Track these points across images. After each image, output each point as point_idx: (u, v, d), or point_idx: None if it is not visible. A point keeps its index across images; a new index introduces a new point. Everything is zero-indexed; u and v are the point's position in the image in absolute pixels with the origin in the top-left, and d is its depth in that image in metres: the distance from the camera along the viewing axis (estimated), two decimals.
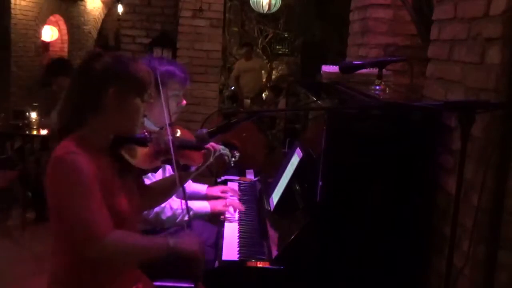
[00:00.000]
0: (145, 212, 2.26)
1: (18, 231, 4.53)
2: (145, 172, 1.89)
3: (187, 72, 2.48)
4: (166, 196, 2.07)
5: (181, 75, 2.43)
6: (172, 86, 2.39)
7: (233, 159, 2.21)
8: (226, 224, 2.31)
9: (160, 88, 1.92)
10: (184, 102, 2.51)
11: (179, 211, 2.34)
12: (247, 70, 8.47)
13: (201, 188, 2.68)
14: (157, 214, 2.29)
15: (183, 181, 2.15)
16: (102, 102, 1.66)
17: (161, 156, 1.88)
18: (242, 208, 2.46)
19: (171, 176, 2.12)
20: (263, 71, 9.02)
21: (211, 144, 2.10)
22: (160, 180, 2.19)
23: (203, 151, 2.09)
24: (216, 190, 2.65)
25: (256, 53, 11.24)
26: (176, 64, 2.47)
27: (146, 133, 1.86)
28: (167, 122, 1.91)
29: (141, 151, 1.82)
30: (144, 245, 1.69)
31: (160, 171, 2.21)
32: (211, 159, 2.09)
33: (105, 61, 1.68)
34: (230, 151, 2.21)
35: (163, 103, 1.91)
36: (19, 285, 3.55)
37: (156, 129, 2.17)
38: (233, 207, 2.45)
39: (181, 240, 1.70)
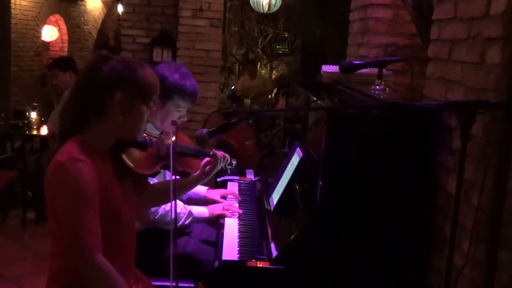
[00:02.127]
0: (151, 212, 2.26)
1: (18, 231, 4.54)
2: (144, 177, 1.89)
3: (196, 89, 2.43)
4: (168, 198, 2.06)
5: (191, 95, 2.39)
6: (177, 102, 2.37)
7: (230, 167, 2.22)
8: (226, 224, 2.31)
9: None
10: (185, 118, 2.50)
11: (181, 214, 2.37)
12: (251, 87, 8.49)
13: (201, 189, 2.68)
14: (162, 217, 2.29)
15: (182, 190, 2.17)
16: (107, 106, 1.64)
17: (160, 162, 1.88)
18: (240, 211, 2.45)
19: (178, 180, 2.13)
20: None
21: (220, 152, 2.12)
22: (165, 181, 2.20)
23: (201, 157, 2.11)
24: (216, 194, 2.64)
25: (256, 53, 11.26)
26: (189, 79, 2.41)
27: (147, 138, 1.85)
28: (171, 129, 1.90)
29: (141, 155, 1.82)
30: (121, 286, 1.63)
31: (156, 178, 2.21)
32: (218, 167, 2.12)
33: (113, 65, 1.66)
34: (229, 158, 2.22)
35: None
36: (19, 284, 3.55)
37: (154, 131, 2.17)
38: (232, 210, 2.44)
39: None
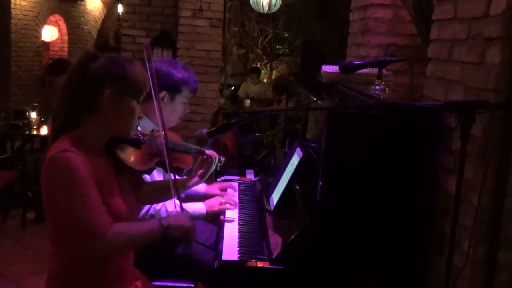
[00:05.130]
0: (141, 214, 2.25)
1: (18, 231, 4.54)
2: (140, 173, 1.90)
3: (196, 79, 2.52)
4: (164, 196, 2.08)
5: (194, 84, 2.48)
6: (184, 93, 2.43)
7: (219, 164, 2.23)
8: (226, 224, 2.31)
9: (153, 91, 1.90)
10: (188, 110, 2.55)
11: (174, 213, 2.33)
12: (253, 92, 8.53)
13: (200, 186, 2.68)
14: (153, 216, 2.26)
15: (179, 190, 2.17)
16: (97, 103, 1.65)
17: (154, 158, 1.89)
18: (236, 205, 2.44)
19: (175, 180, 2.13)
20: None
21: (211, 152, 2.13)
22: (162, 180, 2.20)
23: (192, 154, 2.12)
24: (215, 188, 2.65)
25: (256, 53, 11.27)
26: (190, 71, 2.50)
27: (140, 135, 1.86)
28: (160, 125, 1.91)
29: (135, 152, 1.83)
30: (141, 232, 1.72)
31: (154, 173, 2.21)
32: (213, 167, 2.13)
33: (101, 62, 1.66)
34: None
35: (156, 107, 1.91)
36: (19, 284, 3.55)
37: (152, 126, 2.18)
38: (229, 203, 2.43)
39: (172, 218, 1.77)
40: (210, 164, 2.12)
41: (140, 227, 1.75)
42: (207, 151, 2.13)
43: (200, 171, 2.13)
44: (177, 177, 2.03)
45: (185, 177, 2.19)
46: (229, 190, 2.66)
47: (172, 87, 2.39)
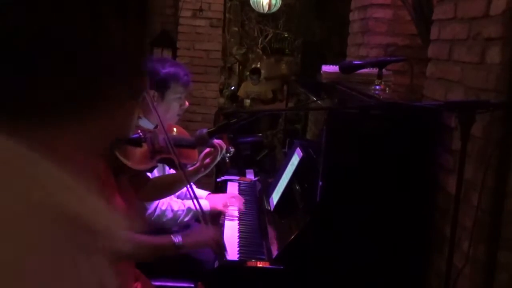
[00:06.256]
0: (148, 214, 2.26)
1: None
2: (141, 172, 1.89)
3: (189, 74, 2.49)
4: (170, 191, 2.07)
5: (184, 78, 2.43)
6: (175, 89, 2.40)
7: (228, 154, 2.21)
8: (226, 224, 2.31)
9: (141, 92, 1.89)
10: (187, 104, 2.52)
11: (180, 212, 2.35)
12: (254, 92, 8.53)
13: (201, 194, 2.67)
14: (159, 217, 2.29)
15: (190, 179, 2.16)
16: None
17: (156, 156, 1.87)
18: (242, 205, 2.42)
19: (176, 173, 2.12)
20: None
21: (217, 142, 2.10)
22: (165, 175, 2.19)
23: (197, 149, 2.10)
24: (218, 202, 2.62)
25: (256, 53, 11.26)
26: (179, 66, 2.46)
27: (140, 133, 1.84)
28: (159, 121, 1.90)
29: (136, 151, 1.81)
30: (151, 244, 1.70)
31: (156, 171, 2.21)
32: (219, 158, 2.11)
33: None
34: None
35: (150, 103, 1.90)
36: None
37: (151, 127, 2.17)
38: (233, 205, 2.42)
39: (188, 236, 1.74)
40: (215, 155, 2.10)
41: (150, 240, 1.72)
42: (215, 140, 2.10)
43: (206, 161, 2.11)
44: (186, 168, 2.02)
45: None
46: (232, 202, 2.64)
47: (160, 84, 2.36)
